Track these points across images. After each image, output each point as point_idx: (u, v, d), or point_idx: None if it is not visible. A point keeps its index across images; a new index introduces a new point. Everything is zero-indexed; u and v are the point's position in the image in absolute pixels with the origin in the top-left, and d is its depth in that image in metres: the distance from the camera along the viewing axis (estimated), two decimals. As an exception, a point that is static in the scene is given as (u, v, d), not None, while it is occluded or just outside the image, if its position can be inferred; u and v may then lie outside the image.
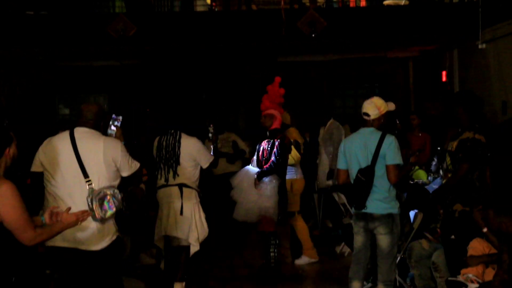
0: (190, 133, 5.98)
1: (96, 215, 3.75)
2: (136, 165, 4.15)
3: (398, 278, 5.96)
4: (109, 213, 3.79)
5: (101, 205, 3.77)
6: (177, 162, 5.81)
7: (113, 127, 4.31)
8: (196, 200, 5.87)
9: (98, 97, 11.95)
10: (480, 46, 8.53)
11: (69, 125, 6.99)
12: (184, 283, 5.94)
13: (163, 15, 9.20)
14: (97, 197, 3.77)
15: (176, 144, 5.84)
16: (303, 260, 7.21)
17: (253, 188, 6.47)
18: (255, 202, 6.44)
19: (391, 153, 4.96)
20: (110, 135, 4.29)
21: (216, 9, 9.29)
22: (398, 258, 5.97)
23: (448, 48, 9.92)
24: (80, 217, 3.53)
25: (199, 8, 9.42)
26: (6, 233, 3.36)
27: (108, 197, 3.80)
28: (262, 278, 6.52)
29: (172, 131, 5.92)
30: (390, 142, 4.99)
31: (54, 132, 8.02)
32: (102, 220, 3.81)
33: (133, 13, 8.75)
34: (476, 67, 9.00)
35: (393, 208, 5.06)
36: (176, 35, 8.96)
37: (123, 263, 7.09)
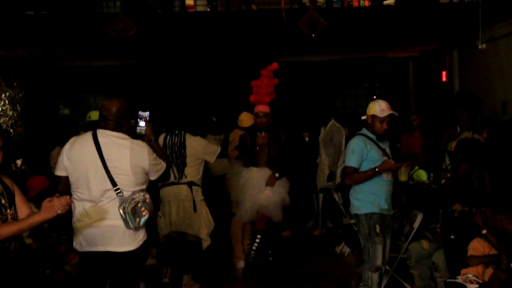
0: (194, 133, 6.12)
1: (131, 225, 3.73)
2: (162, 166, 4.06)
3: (397, 277, 5.98)
4: (143, 220, 3.77)
5: (134, 214, 3.73)
6: (184, 164, 5.97)
7: (141, 124, 4.21)
8: (202, 196, 6.11)
9: (98, 97, 11.96)
10: (480, 46, 8.53)
11: (71, 125, 6.91)
12: (190, 275, 6.20)
13: (163, 15, 9.19)
14: (129, 206, 3.72)
15: (182, 145, 5.97)
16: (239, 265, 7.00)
17: (259, 187, 6.35)
18: (259, 198, 6.31)
19: (346, 154, 5.15)
20: (140, 133, 4.19)
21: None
22: (398, 258, 5.98)
23: (448, 48, 9.92)
24: (57, 204, 3.25)
25: (199, 8, 9.41)
26: None
27: (139, 204, 3.77)
28: (262, 278, 6.52)
29: (176, 131, 6.03)
30: (348, 144, 5.17)
31: (57, 131, 8.06)
32: (137, 229, 3.79)
33: (133, 13, 8.74)
34: (476, 67, 9.00)
35: (356, 208, 5.16)
36: (176, 35, 8.95)
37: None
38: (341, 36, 9.10)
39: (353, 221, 7.84)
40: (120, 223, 3.75)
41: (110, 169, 3.80)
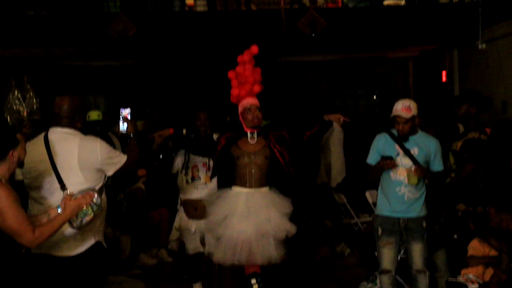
0: None
1: (72, 223, 3.53)
2: (121, 160, 3.86)
3: (398, 278, 5.97)
4: (85, 220, 3.54)
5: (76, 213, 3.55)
6: None
7: (123, 122, 4.11)
8: None
9: (98, 97, 11.96)
10: (480, 46, 8.51)
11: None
12: None
13: (163, 15, 9.19)
14: None
15: None
16: None
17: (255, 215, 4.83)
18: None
19: None
20: (122, 132, 4.11)
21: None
22: (399, 258, 5.98)
23: (448, 48, 9.92)
24: (82, 201, 3.40)
25: (199, 8, 9.41)
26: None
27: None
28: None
29: None
30: None
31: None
32: (80, 228, 3.59)
33: (133, 13, 8.74)
34: (476, 67, 9.00)
35: None
36: (176, 35, 8.95)
37: (123, 263, 7.12)
38: (341, 36, 9.10)
39: (353, 221, 7.86)
40: (65, 227, 3.56)
41: (58, 166, 3.71)
